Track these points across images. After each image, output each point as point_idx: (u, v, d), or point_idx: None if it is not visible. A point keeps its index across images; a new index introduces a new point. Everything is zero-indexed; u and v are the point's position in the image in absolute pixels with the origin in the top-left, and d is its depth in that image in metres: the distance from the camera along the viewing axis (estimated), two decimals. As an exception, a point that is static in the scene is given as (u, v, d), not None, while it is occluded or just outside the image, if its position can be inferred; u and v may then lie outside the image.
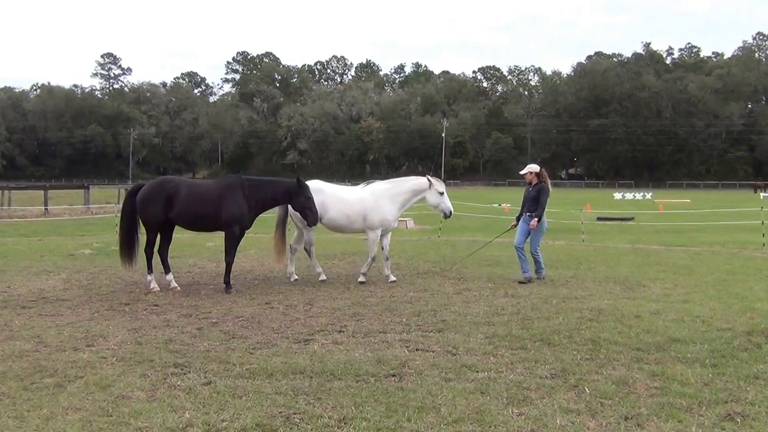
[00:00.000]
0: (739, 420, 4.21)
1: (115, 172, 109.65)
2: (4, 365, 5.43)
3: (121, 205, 10.23)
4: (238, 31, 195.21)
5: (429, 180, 10.04)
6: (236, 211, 9.08)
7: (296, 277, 10.13)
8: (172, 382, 4.99)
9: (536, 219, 9.87)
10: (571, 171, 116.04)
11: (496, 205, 31.06)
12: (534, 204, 9.98)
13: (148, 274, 9.19)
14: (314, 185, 9.83)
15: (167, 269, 9.41)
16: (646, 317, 7.24)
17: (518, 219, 10.36)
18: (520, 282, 9.71)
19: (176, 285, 9.25)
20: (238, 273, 10.49)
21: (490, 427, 4.11)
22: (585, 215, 21.27)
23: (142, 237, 9.45)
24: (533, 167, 10.36)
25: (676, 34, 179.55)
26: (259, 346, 6.06)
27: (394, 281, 9.76)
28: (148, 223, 9.24)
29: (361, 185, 10.48)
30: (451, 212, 10.10)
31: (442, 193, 10.00)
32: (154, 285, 9.09)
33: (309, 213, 9.22)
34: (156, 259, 9.34)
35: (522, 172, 10.47)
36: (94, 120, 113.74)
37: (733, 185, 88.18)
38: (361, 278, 9.85)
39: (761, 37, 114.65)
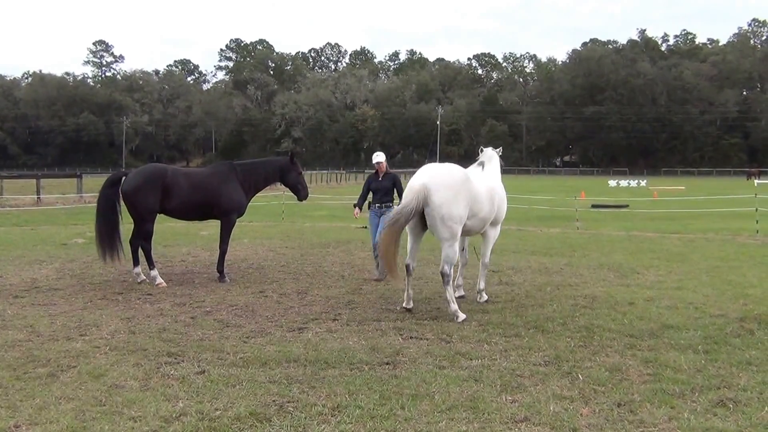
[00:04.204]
0: (731, 406, 4.23)
1: (108, 160, 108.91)
2: (-3, 355, 5.40)
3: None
4: (232, 18, 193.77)
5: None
6: (236, 199, 9.03)
7: (411, 305, 7.11)
8: (166, 371, 4.98)
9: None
10: (566, 158, 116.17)
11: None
12: (389, 195, 9.21)
13: (151, 270, 8.73)
14: (465, 174, 7.01)
15: (137, 262, 8.86)
16: (640, 304, 7.27)
17: (359, 206, 9.43)
18: (376, 280, 8.94)
19: (144, 278, 8.79)
20: (232, 262, 10.46)
21: (483, 414, 4.12)
22: (579, 203, 21.29)
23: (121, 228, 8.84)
24: (383, 156, 9.41)
25: (671, 20, 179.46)
26: (252, 335, 6.05)
27: (485, 300, 7.54)
28: (144, 214, 8.61)
29: (473, 166, 7.77)
30: None
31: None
32: (159, 280, 8.67)
33: (301, 188, 9.44)
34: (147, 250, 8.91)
35: (380, 161, 9.27)
36: (86, 108, 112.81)
37: (728, 172, 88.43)
38: (484, 296, 7.65)
39: (756, 24, 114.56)
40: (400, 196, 9.07)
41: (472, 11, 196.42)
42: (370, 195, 9.49)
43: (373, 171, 9.58)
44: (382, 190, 9.27)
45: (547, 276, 9.29)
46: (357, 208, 9.51)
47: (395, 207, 8.93)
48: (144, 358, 5.32)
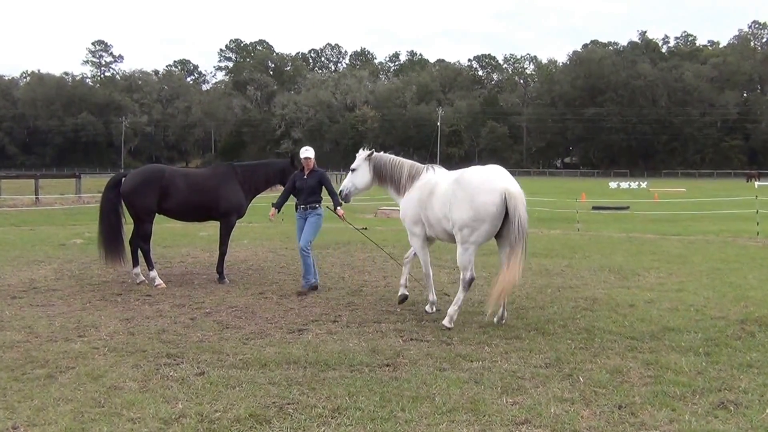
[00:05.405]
0: (732, 408, 4.21)
1: (107, 160, 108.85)
2: (-5, 356, 5.38)
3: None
4: (231, 18, 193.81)
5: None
6: (235, 201, 9.03)
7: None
8: (165, 372, 4.96)
9: (341, 208, 8.34)
10: (567, 160, 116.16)
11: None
12: (315, 195, 8.50)
13: (150, 270, 8.71)
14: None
15: (136, 263, 8.90)
16: (641, 306, 7.25)
17: (278, 207, 8.62)
18: (299, 293, 8.10)
19: (144, 279, 8.80)
20: (231, 263, 10.44)
21: (484, 416, 4.10)
22: (580, 204, 21.28)
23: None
24: (313, 151, 8.69)
25: (671, 22, 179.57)
26: (252, 336, 6.03)
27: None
28: (142, 215, 8.65)
29: (441, 170, 7.73)
30: None
31: None
32: (159, 281, 8.65)
33: None
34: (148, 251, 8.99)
35: (308, 156, 8.54)
36: (85, 108, 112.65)
37: (728, 174, 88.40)
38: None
39: (757, 26, 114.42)
40: (330, 195, 8.47)
41: (472, 12, 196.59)
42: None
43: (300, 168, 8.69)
44: (308, 189, 8.44)
45: (548, 278, 9.27)
46: (274, 208, 8.61)
47: (322, 208, 8.52)
48: (143, 359, 5.30)
